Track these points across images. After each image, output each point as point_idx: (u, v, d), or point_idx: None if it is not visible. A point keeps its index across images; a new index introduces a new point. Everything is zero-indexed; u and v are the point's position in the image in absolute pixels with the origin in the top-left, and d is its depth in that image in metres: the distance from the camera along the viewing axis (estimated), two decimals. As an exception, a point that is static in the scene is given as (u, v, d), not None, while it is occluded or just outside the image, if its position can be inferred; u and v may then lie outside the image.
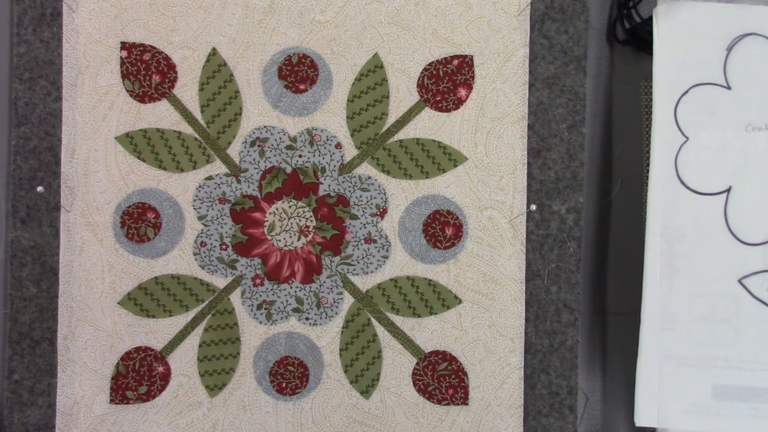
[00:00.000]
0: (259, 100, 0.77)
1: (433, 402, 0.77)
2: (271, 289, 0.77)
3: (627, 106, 0.80)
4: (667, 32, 0.72)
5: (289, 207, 0.77)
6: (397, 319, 0.77)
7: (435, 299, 0.77)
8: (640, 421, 0.72)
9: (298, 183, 0.77)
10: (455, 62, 0.77)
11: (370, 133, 0.77)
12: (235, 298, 0.77)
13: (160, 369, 0.76)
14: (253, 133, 0.77)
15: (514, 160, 0.77)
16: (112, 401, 0.76)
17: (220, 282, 0.77)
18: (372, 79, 0.77)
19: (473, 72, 0.77)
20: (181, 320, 0.76)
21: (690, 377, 0.71)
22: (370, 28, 0.76)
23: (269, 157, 0.77)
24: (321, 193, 0.77)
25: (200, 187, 0.77)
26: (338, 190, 0.77)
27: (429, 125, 0.77)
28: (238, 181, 0.77)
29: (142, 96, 0.76)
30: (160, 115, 0.76)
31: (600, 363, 0.81)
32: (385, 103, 0.77)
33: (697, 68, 0.72)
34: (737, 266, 0.71)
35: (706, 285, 0.71)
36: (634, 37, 0.79)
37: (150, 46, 0.76)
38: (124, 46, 0.76)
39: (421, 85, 0.77)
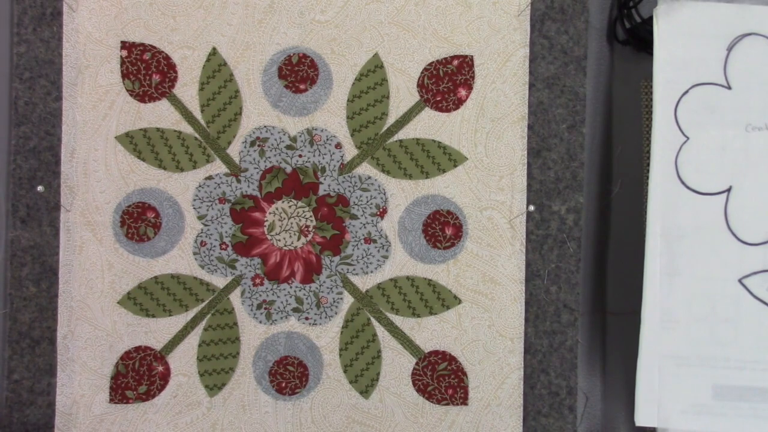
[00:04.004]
0: (259, 100, 0.77)
1: (432, 402, 0.77)
2: (271, 289, 0.77)
3: (627, 106, 0.80)
4: (667, 32, 0.72)
5: (289, 207, 0.77)
6: (397, 319, 0.77)
7: (434, 299, 0.77)
8: (640, 421, 0.71)
9: (298, 183, 0.77)
10: (455, 62, 0.77)
11: (370, 133, 0.77)
12: (235, 297, 0.77)
13: (160, 368, 0.76)
14: (253, 132, 0.77)
15: (514, 160, 0.76)
16: (111, 401, 0.76)
17: (219, 282, 0.77)
18: (372, 79, 0.77)
19: (473, 72, 0.77)
20: (180, 320, 0.76)
21: (690, 377, 0.71)
22: (370, 28, 0.76)
23: (269, 157, 0.77)
24: (321, 192, 0.77)
25: (200, 186, 0.77)
26: (338, 189, 0.77)
27: (429, 125, 0.77)
28: (238, 181, 0.77)
29: (142, 95, 0.76)
30: (160, 114, 0.76)
31: (600, 363, 0.81)
32: (385, 103, 0.77)
33: (697, 68, 0.72)
34: (737, 266, 0.71)
35: (706, 285, 0.71)
36: (634, 37, 0.79)
37: (150, 45, 0.76)
38: (124, 45, 0.76)
39: (421, 85, 0.77)
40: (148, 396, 0.76)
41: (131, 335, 0.76)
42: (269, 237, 0.77)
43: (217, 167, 0.77)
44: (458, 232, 0.77)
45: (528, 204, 0.76)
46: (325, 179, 0.77)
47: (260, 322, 0.77)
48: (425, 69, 0.77)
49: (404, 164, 0.77)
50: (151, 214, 0.76)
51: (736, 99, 0.72)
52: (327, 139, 0.77)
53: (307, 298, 0.77)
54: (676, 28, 0.72)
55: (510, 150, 0.77)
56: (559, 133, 0.76)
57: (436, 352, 0.77)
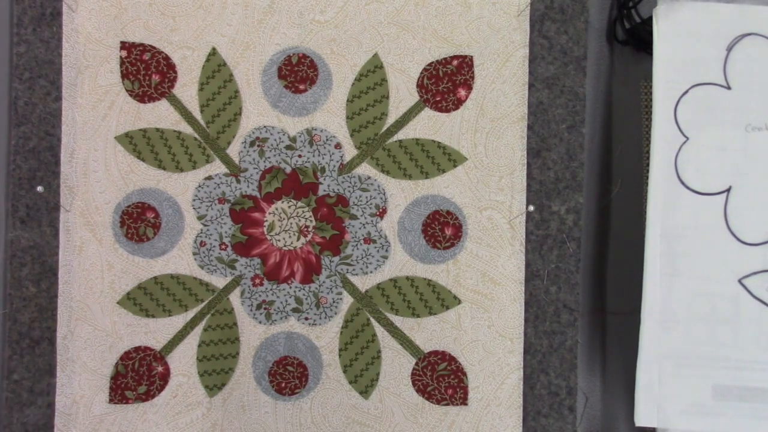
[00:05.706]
0: (259, 100, 0.77)
1: (432, 402, 0.77)
2: (271, 289, 0.77)
3: (627, 106, 0.80)
4: (667, 32, 0.72)
5: (289, 207, 0.77)
6: (397, 319, 0.77)
7: (434, 299, 0.77)
8: (640, 421, 0.71)
9: (297, 183, 0.77)
10: (455, 62, 0.77)
11: (370, 134, 0.77)
12: (235, 298, 0.77)
13: (160, 369, 0.76)
14: (253, 133, 0.77)
15: (514, 160, 0.76)
16: (111, 401, 0.76)
17: (219, 282, 0.77)
18: (372, 80, 0.77)
19: (473, 72, 0.77)
20: (180, 320, 0.76)
21: (690, 377, 0.71)
22: (370, 28, 0.76)
23: (269, 157, 0.77)
24: (320, 193, 0.77)
25: (200, 186, 0.77)
26: (338, 190, 0.77)
27: (428, 125, 0.77)
28: (238, 181, 0.77)
29: (142, 96, 0.76)
30: (159, 114, 0.76)
31: (600, 363, 0.81)
32: (385, 104, 0.77)
33: (697, 68, 0.72)
34: (737, 266, 0.71)
35: (706, 285, 0.71)
36: (634, 37, 0.79)
37: (150, 45, 0.76)
38: (123, 45, 0.76)
39: (420, 86, 0.77)
40: (147, 396, 0.76)
41: (131, 335, 0.76)
42: (269, 237, 0.77)
43: (217, 167, 0.77)
44: (458, 232, 0.77)
45: (528, 204, 0.76)
46: (324, 179, 0.77)
47: (260, 322, 0.77)
48: (425, 69, 0.77)
49: (404, 164, 0.77)
50: (150, 214, 0.76)
51: (735, 99, 0.72)
52: (327, 140, 0.77)
53: (306, 299, 0.77)
54: (676, 28, 0.72)
55: (510, 150, 0.76)
56: (558, 133, 0.76)
57: (435, 353, 0.77)
